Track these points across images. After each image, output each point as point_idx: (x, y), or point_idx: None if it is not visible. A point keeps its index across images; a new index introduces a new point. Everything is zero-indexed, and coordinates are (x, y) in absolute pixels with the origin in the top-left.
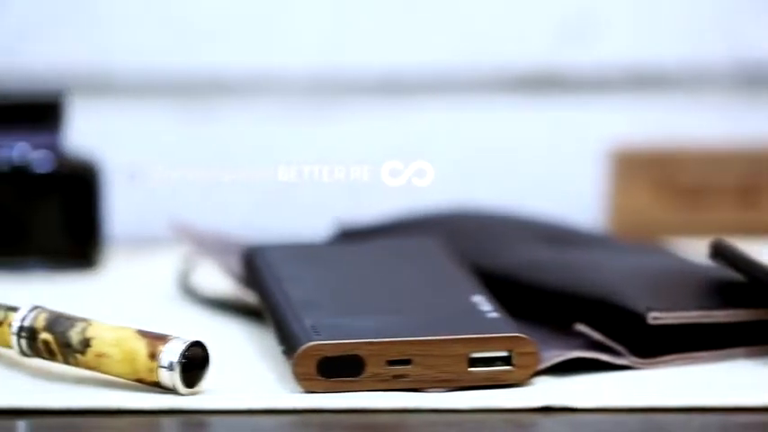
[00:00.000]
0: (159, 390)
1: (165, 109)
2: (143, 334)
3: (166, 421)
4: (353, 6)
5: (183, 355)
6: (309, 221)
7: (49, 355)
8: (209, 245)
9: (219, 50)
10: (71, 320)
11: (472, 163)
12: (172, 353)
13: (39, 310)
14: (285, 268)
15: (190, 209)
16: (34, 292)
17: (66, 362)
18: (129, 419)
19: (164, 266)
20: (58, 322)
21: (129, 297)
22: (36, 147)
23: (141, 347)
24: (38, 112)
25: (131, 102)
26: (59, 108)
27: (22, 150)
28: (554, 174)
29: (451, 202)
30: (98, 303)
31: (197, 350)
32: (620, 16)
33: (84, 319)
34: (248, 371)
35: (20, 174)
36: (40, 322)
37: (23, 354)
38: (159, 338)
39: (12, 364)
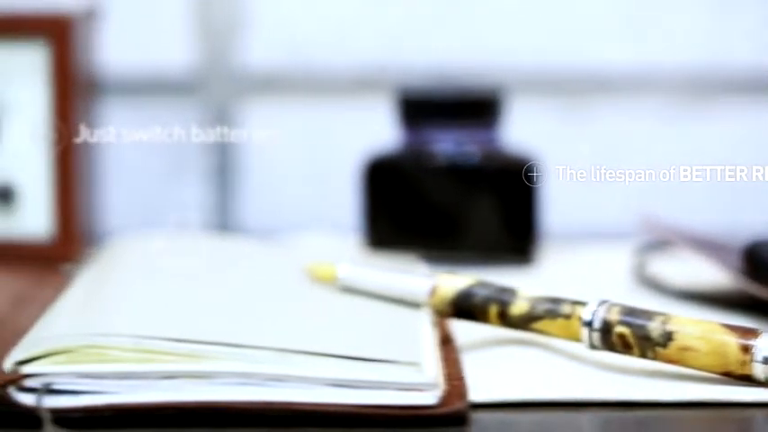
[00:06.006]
0: (746, 383)
1: (548, 107)
2: (729, 327)
3: (760, 414)
4: (736, 4)
5: None
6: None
7: (624, 348)
8: (689, 239)
9: (601, 49)
10: (648, 314)
11: None
12: (766, 347)
13: (609, 303)
14: None
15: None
16: None
17: (643, 355)
18: (713, 412)
19: (600, 260)
20: (634, 315)
21: (583, 290)
22: (475, 142)
23: (731, 341)
24: (477, 108)
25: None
26: (498, 104)
27: (461, 145)
28: None
29: None
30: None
31: None
32: None
33: (661, 313)
34: None
35: (458, 169)
36: (614, 315)
37: (592, 347)
38: (749, 332)
39: (572, 358)
